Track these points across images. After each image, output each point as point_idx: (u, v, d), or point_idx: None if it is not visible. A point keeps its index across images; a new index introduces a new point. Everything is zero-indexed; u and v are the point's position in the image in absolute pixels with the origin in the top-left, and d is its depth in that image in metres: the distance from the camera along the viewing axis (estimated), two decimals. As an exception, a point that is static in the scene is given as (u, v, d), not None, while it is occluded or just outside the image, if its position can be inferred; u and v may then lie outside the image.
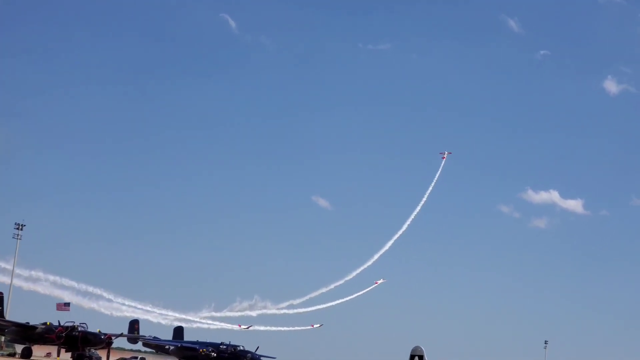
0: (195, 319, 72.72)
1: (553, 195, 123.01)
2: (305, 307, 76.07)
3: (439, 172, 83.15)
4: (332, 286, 77.69)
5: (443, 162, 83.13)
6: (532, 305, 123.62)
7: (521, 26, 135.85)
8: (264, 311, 74.30)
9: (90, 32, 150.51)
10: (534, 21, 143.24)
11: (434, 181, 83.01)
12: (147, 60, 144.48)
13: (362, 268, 79.55)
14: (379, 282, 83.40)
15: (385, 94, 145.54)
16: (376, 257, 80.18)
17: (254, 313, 73.60)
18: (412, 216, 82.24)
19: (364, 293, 78.91)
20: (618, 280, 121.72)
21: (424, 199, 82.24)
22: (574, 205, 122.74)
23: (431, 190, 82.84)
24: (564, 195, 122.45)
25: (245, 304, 74.25)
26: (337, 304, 77.34)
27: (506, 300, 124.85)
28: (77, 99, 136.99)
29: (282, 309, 75.20)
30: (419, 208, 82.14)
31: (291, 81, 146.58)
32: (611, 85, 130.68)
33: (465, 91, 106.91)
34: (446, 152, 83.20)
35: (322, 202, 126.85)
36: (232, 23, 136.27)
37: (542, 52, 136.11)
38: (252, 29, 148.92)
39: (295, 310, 75.61)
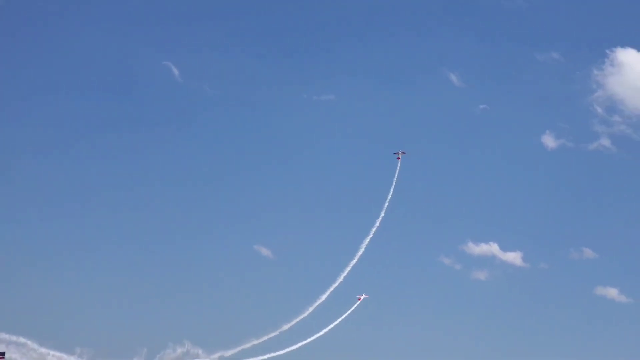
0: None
1: (493, 248, 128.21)
2: (236, 358, 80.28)
3: (380, 219, 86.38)
4: (264, 337, 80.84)
5: (383, 213, 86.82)
6: (472, 354, 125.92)
7: (462, 80, 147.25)
8: (195, 360, 77.18)
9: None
10: (475, 76, 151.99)
11: (373, 231, 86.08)
12: (91, 111, 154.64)
13: (296, 320, 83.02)
14: (362, 297, 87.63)
15: (326, 143, 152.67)
16: (311, 309, 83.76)
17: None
18: (349, 267, 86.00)
19: (296, 348, 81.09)
20: (556, 330, 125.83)
21: (361, 250, 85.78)
22: (513, 257, 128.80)
23: (369, 242, 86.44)
24: (504, 247, 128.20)
25: (179, 351, 79.96)
26: (268, 358, 80.00)
27: (448, 350, 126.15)
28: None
29: (213, 359, 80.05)
30: (356, 259, 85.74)
31: (234, 129, 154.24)
32: (549, 140, 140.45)
33: (407, 142, 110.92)
34: (400, 152, 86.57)
35: (265, 251, 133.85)
36: (176, 71, 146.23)
37: (481, 106, 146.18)
38: (196, 77, 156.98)
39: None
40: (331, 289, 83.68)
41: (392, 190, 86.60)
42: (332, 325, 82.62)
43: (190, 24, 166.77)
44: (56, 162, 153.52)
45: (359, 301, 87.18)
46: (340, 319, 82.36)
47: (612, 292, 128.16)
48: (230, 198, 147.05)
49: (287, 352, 79.65)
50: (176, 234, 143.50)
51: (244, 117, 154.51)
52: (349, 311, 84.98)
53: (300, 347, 80.00)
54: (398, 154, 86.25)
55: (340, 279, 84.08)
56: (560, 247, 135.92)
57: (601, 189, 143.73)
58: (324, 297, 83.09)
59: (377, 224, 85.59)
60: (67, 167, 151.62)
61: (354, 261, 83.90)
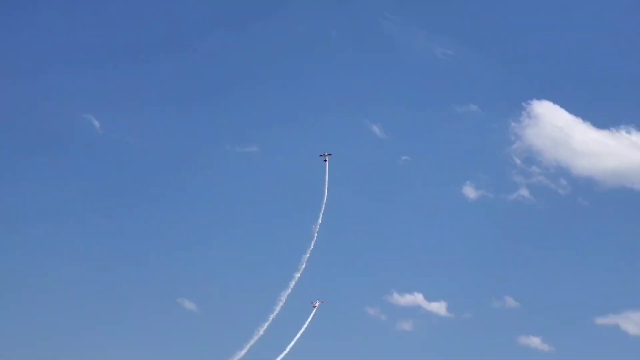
0: None
1: (418, 298, 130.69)
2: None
3: (300, 272, 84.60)
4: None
5: (304, 265, 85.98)
6: None
7: (384, 132, 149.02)
8: None
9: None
10: (397, 128, 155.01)
11: (293, 284, 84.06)
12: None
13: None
14: (317, 304, 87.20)
15: (250, 196, 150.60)
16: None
17: None
18: (270, 320, 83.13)
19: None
20: None
21: (281, 302, 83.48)
22: (438, 307, 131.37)
23: (290, 293, 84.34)
24: (428, 298, 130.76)
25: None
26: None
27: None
28: None
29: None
30: (276, 312, 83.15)
31: (155, 181, 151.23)
32: (470, 191, 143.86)
33: (330, 195, 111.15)
34: (326, 154, 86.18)
35: (188, 305, 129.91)
36: (97, 123, 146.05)
37: (403, 157, 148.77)
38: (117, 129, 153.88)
39: None
40: (251, 342, 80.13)
41: (313, 242, 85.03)
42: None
43: (107, 73, 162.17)
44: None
45: (315, 308, 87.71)
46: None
47: (535, 341, 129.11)
48: (151, 251, 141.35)
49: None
50: (98, 291, 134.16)
51: (167, 168, 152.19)
52: (307, 321, 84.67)
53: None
54: (324, 155, 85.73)
55: (260, 332, 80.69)
56: (483, 296, 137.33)
57: (521, 239, 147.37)
58: (242, 352, 79.35)
59: (299, 275, 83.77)
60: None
61: (274, 315, 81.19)
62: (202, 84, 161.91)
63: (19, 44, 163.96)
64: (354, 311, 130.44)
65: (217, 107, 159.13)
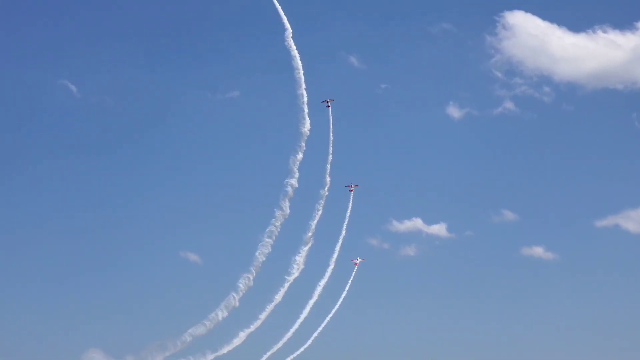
0: None
1: (417, 223, 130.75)
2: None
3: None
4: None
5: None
6: (413, 326, 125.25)
7: (362, 62, 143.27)
8: None
9: None
10: (373, 57, 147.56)
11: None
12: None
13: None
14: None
15: (235, 140, 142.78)
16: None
17: None
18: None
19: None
20: (490, 292, 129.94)
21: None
22: (438, 229, 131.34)
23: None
24: (427, 221, 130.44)
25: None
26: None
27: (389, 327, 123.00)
28: None
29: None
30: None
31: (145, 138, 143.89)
32: (454, 111, 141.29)
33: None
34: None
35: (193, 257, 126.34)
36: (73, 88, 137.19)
37: (383, 85, 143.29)
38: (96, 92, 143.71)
39: None
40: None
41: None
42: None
43: (79, 39, 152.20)
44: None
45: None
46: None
47: (538, 251, 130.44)
48: (152, 207, 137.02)
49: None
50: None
51: (153, 126, 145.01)
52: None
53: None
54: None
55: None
56: (481, 212, 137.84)
57: (511, 151, 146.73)
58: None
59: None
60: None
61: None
62: (172, 35, 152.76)
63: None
64: (358, 243, 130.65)
65: (195, 57, 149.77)
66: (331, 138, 79.20)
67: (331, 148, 79.07)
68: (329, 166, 79.34)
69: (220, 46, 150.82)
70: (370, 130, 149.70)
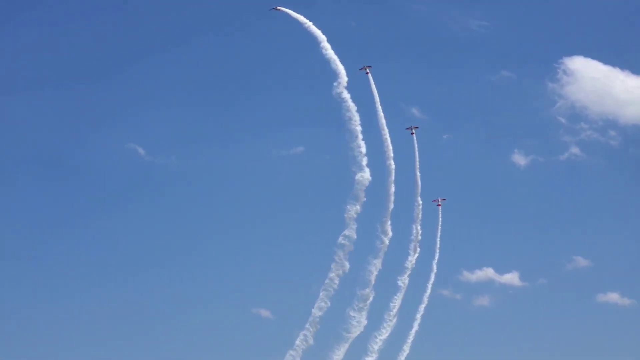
0: None
1: (489, 273, 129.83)
2: None
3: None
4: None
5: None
6: None
7: (423, 112, 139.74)
8: None
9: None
10: (434, 107, 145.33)
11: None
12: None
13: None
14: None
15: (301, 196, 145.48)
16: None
17: None
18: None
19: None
20: (568, 339, 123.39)
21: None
22: (511, 278, 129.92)
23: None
24: (499, 271, 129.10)
25: None
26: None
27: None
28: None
29: None
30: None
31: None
32: (519, 159, 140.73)
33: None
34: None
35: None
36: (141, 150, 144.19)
37: (445, 136, 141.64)
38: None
39: None
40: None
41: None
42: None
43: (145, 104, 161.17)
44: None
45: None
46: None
47: (614, 297, 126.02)
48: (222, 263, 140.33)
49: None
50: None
51: (218, 182, 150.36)
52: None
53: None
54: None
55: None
56: (553, 260, 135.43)
57: (579, 197, 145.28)
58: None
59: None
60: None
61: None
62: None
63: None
64: (430, 295, 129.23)
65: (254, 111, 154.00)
66: (392, 189, 75.71)
67: (392, 198, 76.25)
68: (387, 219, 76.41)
69: (278, 99, 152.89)
70: (434, 180, 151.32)
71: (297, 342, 71.47)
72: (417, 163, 77.87)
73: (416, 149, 78.32)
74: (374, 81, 74.42)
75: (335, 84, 70.89)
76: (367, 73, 75.23)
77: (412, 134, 78.80)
